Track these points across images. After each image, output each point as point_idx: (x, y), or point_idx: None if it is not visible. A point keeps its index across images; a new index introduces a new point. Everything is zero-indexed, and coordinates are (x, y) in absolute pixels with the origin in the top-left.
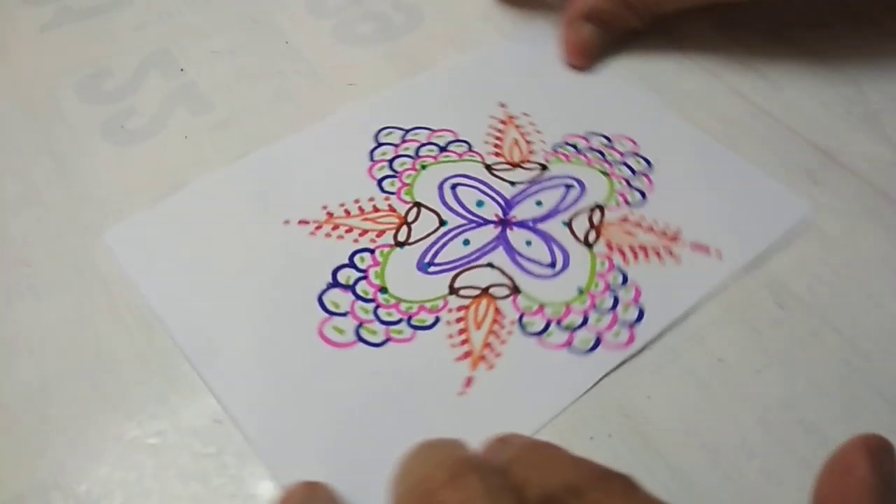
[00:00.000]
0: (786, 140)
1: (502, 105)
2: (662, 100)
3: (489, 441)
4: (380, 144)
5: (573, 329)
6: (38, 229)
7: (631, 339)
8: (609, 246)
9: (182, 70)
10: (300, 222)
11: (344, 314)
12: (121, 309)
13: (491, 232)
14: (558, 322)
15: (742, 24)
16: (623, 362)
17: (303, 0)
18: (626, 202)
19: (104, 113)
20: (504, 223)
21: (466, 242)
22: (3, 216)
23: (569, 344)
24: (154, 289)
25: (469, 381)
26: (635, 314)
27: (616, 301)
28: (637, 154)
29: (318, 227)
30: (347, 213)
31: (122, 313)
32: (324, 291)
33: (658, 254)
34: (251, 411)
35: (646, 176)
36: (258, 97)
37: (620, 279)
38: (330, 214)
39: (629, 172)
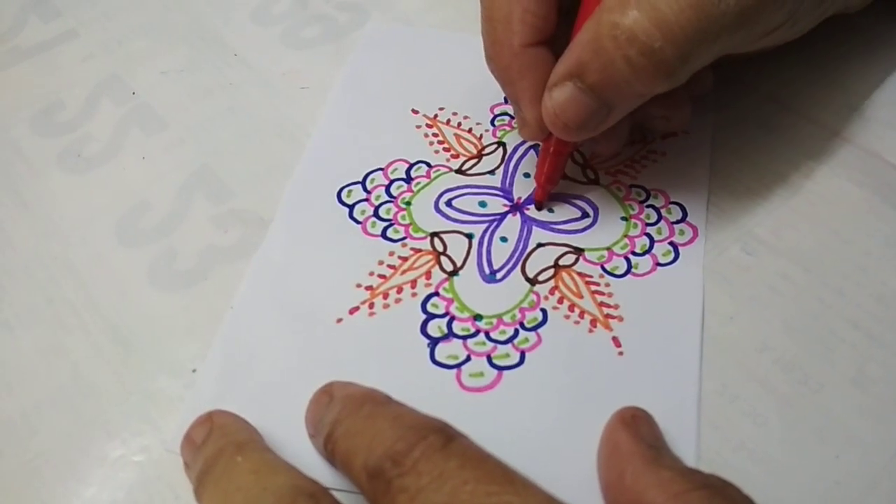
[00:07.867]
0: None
1: (415, 112)
2: None
3: (315, 394)
4: (351, 206)
5: (648, 251)
6: (6, 264)
7: (695, 232)
8: (610, 173)
9: (133, 94)
10: (352, 311)
11: (467, 359)
12: (93, 332)
13: (515, 220)
14: (633, 253)
15: None
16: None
17: (247, 11)
18: None
19: (59, 145)
20: (517, 207)
21: (504, 239)
22: None
23: (657, 265)
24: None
25: (616, 341)
26: (679, 212)
27: (657, 211)
28: None
29: (371, 305)
30: (383, 277)
31: (95, 336)
32: (432, 352)
33: (646, 157)
34: None
35: None
36: (212, 112)
37: (643, 194)
38: (370, 288)
39: None
